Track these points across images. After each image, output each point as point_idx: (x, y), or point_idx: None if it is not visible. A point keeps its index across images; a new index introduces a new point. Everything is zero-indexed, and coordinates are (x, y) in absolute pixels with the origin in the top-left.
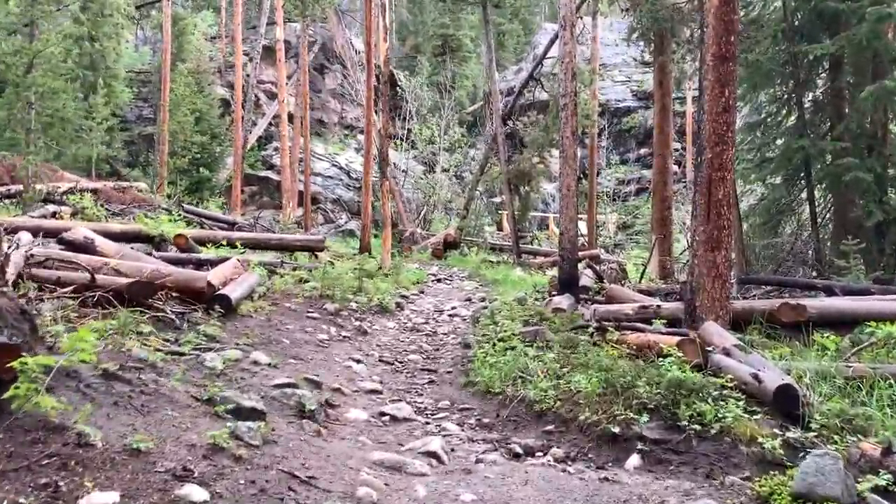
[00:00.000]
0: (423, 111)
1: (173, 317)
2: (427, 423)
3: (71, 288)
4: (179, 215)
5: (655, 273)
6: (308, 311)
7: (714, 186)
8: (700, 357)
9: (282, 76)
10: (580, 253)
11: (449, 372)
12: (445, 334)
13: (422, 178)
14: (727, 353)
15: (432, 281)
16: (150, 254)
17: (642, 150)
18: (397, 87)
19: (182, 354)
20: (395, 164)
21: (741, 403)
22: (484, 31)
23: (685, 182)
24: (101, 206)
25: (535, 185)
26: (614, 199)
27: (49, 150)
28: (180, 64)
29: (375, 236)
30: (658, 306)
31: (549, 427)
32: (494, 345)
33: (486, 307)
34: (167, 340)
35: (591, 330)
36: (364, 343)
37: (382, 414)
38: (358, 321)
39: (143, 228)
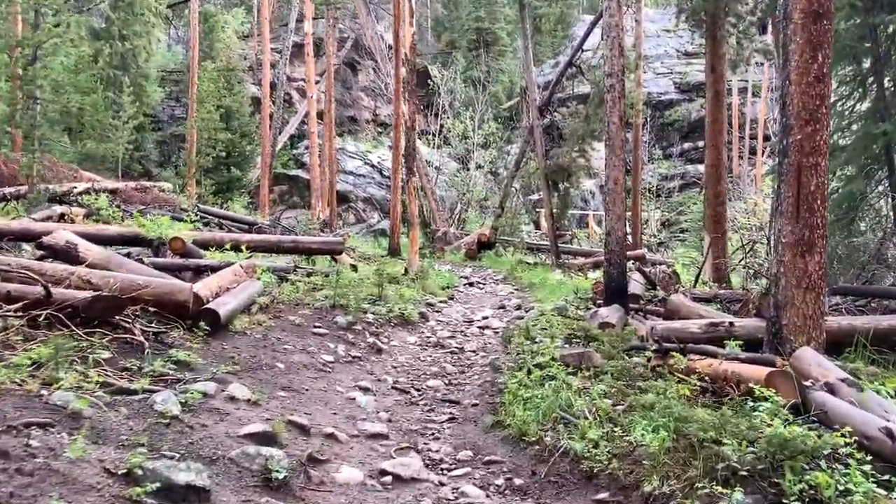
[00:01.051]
0: (457, 105)
1: (143, 338)
2: (441, 485)
3: (19, 305)
4: (197, 216)
5: (709, 275)
6: (314, 326)
7: (805, 175)
8: (797, 395)
9: (310, 72)
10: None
11: (475, 405)
12: (473, 352)
13: (456, 176)
14: (831, 390)
15: (464, 285)
16: (140, 260)
17: (686, 145)
18: (430, 82)
19: (131, 393)
20: (427, 160)
21: (867, 469)
22: (519, 17)
23: (731, 178)
24: (118, 207)
25: (574, 180)
26: (658, 196)
27: (64, 149)
28: (210, 62)
29: (406, 235)
30: (731, 324)
31: (603, 495)
32: (529, 371)
33: (521, 317)
34: (126, 370)
35: (649, 354)
36: (377, 364)
37: (384, 472)
38: (373, 336)
39: (140, 231)
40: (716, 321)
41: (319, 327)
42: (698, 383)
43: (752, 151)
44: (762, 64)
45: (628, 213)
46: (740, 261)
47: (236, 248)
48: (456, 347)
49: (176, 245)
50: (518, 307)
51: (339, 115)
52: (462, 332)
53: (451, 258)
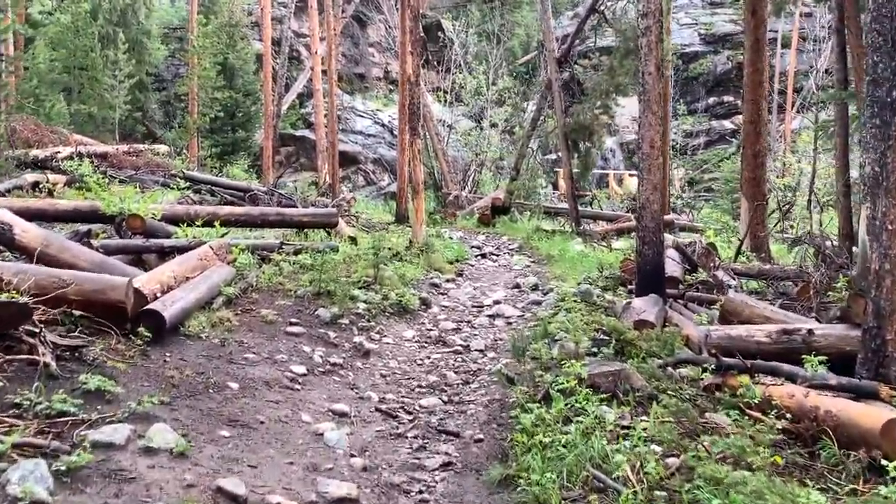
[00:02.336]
0: (471, 59)
1: (48, 358)
2: None
3: None
4: (186, 183)
5: (746, 245)
6: (290, 323)
7: None
8: None
9: (314, 26)
10: (630, 223)
11: (479, 440)
12: (481, 351)
13: (469, 135)
14: None
15: (475, 256)
16: (88, 243)
17: (711, 99)
18: (441, 36)
19: None
20: (439, 119)
21: None
22: None
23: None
24: (103, 173)
25: (597, 139)
26: (683, 153)
27: (59, 111)
28: (211, 17)
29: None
30: (810, 332)
31: None
32: (549, 398)
33: (538, 301)
34: (16, 408)
35: (705, 376)
36: (362, 373)
37: None
38: (361, 334)
39: (99, 205)
40: (789, 328)
41: (296, 324)
42: (776, 422)
43: (780, 107)
44: (791, 13)
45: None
46: (775, 225)
47: (209, 223)
48: (460, 345)
49: (135, 224)
50: (535, 287)
51: (348, 73)
52: (469, 322)
53: (464, 224)
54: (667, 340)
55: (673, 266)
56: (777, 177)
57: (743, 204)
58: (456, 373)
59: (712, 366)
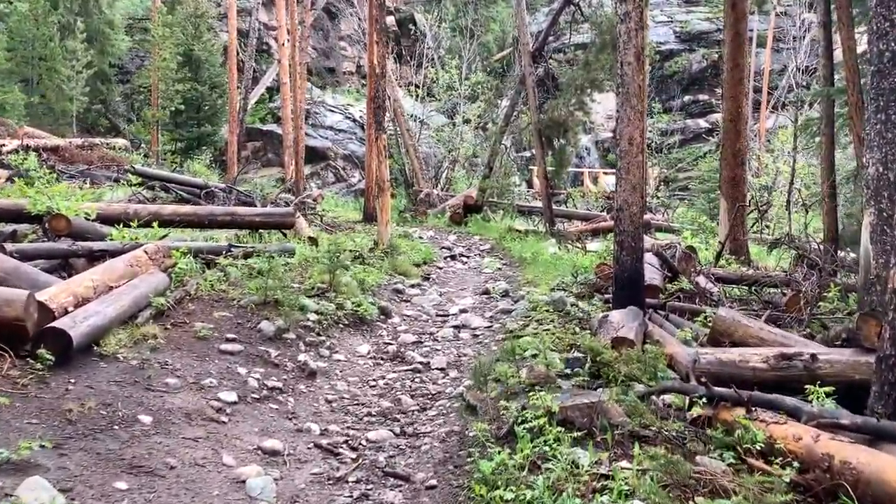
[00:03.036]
0: (443, 53)
1: None
2: None
3: None
4: (138, 179)
5: (725, 247)
6: (226, 339)
7: None
8: None
9: (281, 17)
10: (607, 224)
11: (431, 487)
12: (443, 370)
13: (442, 131)
14: None
15: (444, 258)
16: (1, 248)
17: (686, 98)
18: (413, 29)
19: None
20: (411, 114)
21: None
22: None
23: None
24: (52, 168)
25: (571, 136)
26: (659, 152)
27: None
28: (178, 7)
29: (392, 195)
30: (813, 357)
31: None
32: (514, 436)
33: (509, 310)
34: None
35: (694, 410)
36: (304, 399)
37: None
38: (308, 350)
39: (24, 204)
40: (789, 352)
41: (233, 340)
42: (783, 472)
43: (755, 106)
44: (768, 12)
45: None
46: (752, 226)
47: (151, 223)
48: (420, 362)
49: (59, 225)
50: (505, 294)
51: (318, 66)
52: (432, 334)
53: (435, 223)
54: (649, 362)
55: (652, 273)
56: (753, 176)
57: (722, 204)
58: (412, 397)
59: (702, 396)
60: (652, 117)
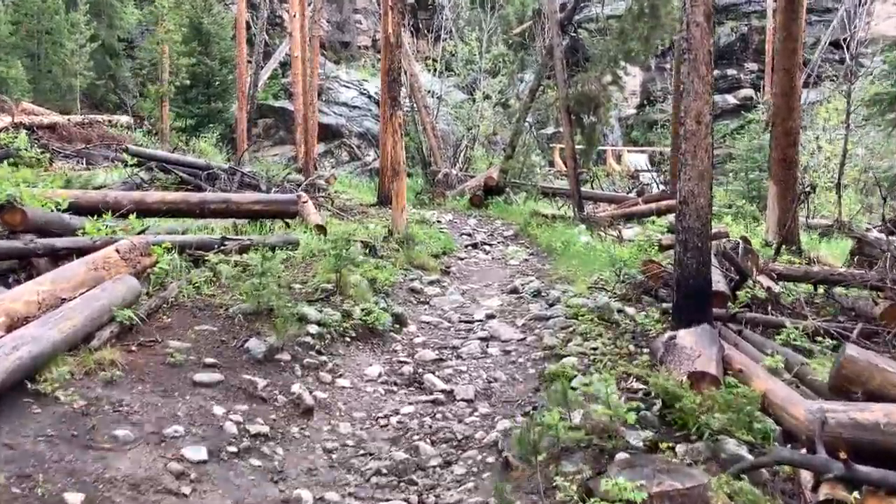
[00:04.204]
0: (462, 24)
1: None
2: None
3: None
4: (134, 159)
5: (773, 234)
6: (203, 364)
7: None
8: None
9: None
10: (663, 203)
11: None
12: (470, 402)
13: (461, 107)
14: None
15: (465, 247)
16: None
17: (714, 73)
18: (430, 2)
19: None
20: (428, 90)
21: None
22: None
23: (762, 108)
24: (44, 147)
25: (603, 112)
26: None
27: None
28: None
29: (409, 175)
30: None
31: None
32: None
33: (544, 317)
34: None
35: (823, 491)
36: (295, 451)
37: None
38: (305, 375)
39: None
40: None
41: (213, 366)
42: None
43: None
44: None
45: (654, 149)
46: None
47: (125, 213)
48: (442, 390)
49: (13, 219)
50: (537, 293)
51: (332, 40)
52: (455, 349)
53: (454, 205)
54: (742, 409)
55: (715, 276)
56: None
57: (771, 188)
58: (434, 443)
59: (841, 477)
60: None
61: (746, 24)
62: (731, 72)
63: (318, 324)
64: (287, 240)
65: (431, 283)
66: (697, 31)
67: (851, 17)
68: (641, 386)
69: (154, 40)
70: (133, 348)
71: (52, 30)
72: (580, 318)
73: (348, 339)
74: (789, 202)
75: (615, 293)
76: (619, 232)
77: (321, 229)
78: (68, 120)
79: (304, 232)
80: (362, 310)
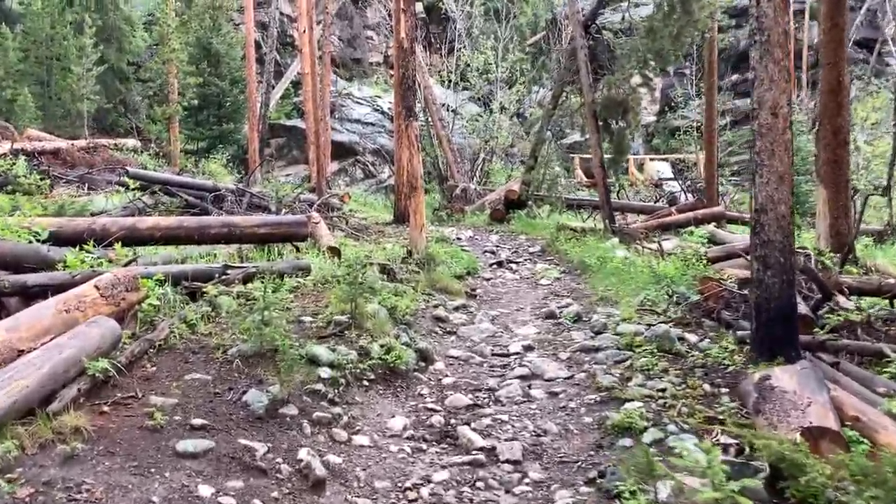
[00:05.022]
0: (476, 34)
1: None
2: None
3: None
4: (136, 183)
5: (824, 241)
6: (189, 427)
7: None
8: None
9: (302, 4)
10: (699, 212)
11: None
12: (517, 463)
13: (477, 120)
14: None
15: (489, 266)
16: None
17: (734, 77)
18: (443, 13)
19: None
20: (443, 103)
21: None
22: None
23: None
24: (44, 173)
25: (632, 117)
26: None
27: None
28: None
29: (426, 191)
30: None
31: None
32: None
33: (593, 348)
34: None
35: None
36: None
37: None
38: (314, 434)
39: None
40: None
41: (202, 429)
42: None
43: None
44: None
45: (677, 157)
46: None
47: (115, 242)
48: (481, 447)
49: None
50: (577, 318)
51: (344, 57)
52: (491, 391)
53: (473, 221)
54: (889, 481)
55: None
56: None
57: (821, 192)
58: None
59: None
60: (700, 97)
61: None
62: (751, 75)
63: (331, 366)
64: (297, 265)
65: (457, 308)
66: (770, 7)
67: (879, 16)
68: (732, 441)
69: (159, 59)
70: (105, 408)
71: (61, 56)
72: (636, 349)
73: (366, 383)
74: (841, 207)
75: (669, 317)
76: (660, 245)
77: (335, 252)
78: (72, 145)
79: (317, 255)
80: (381, 346)
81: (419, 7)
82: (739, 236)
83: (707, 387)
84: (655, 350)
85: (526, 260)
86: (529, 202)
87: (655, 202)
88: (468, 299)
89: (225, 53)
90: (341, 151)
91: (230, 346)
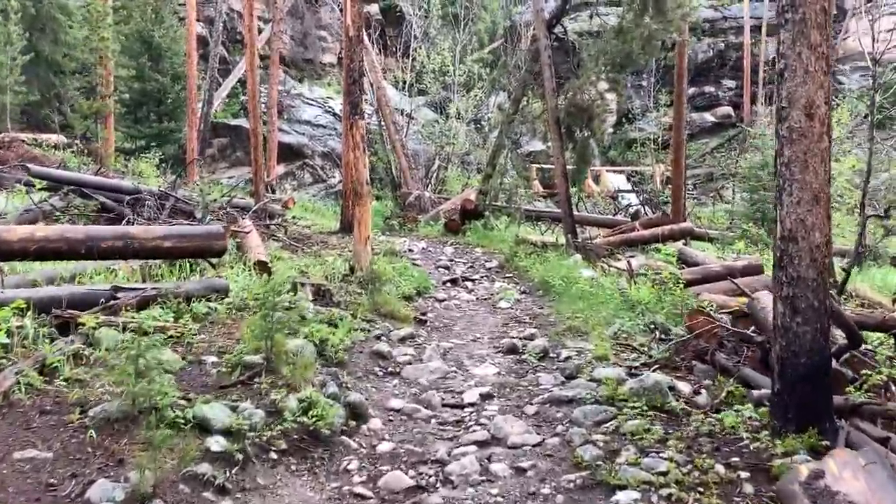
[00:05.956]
0: (434, 34)
1: None
2: None
3: None
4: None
5: None
6: None
7: None
8: None
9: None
10: (665, 228)
11: None
12: None
13: (433, 125)
14: None
15: (443, 283)
16: None
17: (691, 90)
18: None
19: None
20: (397, 107)
21: None
22: None
23: (741, 127)
24: None
25: (598, 125)
26: (665, 148)
27: None
28: None
29: (378, 198)
30: None
31: None
32: None
33: (565, 402)
34: None
35: None
36: None
37: None
38: None
39: None
40: None
41: None
42: None
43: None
44: None
45: (632, 169)
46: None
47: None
48: None
49: None
50: (543, 355)
51: (294, 56)
52: (441, 464)
53: (427, 231)
54: None
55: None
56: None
57: None
58: None
59: None
60: (658, 110)
61: (723, 41)
62: (708, 89)
63: (227, 433)
64: (212, 286)
65: (403, 339)
66: None
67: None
68: None
69: (85, 48)
70: None
71: None
72: (619, 403)
73: (275, 456)
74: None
75: (651, 356)
76: (629, 264)
77: (264, 268)
78: None
79: (242, 272)
80: (301, 401)
81: (375, 8)
82: (712, 257)
83: (721, 469)
84: (645, 407)
85: (483, 277)
86: (487, 213)
87: (614, 215)
88: (417, 326)
89: (167, 48)
90: (289, 154)
91: (95, 404)
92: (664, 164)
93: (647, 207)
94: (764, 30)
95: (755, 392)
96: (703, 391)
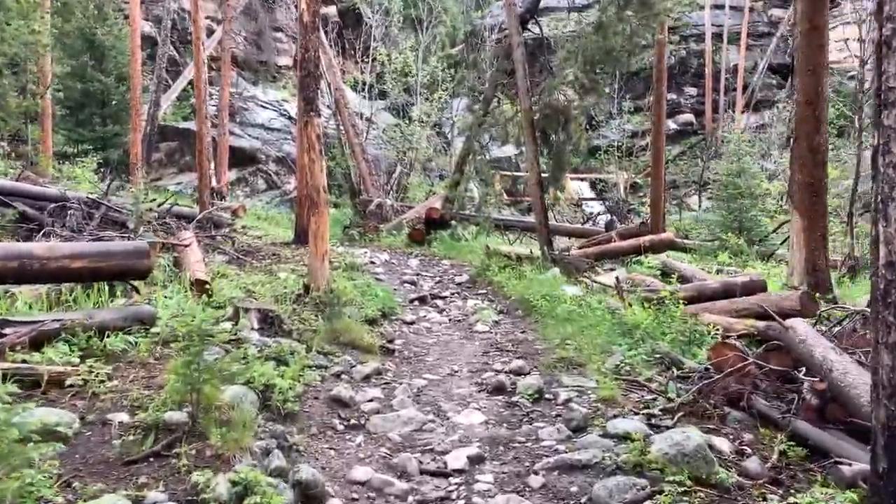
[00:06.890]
0: (395, 33)
1: None
2: None
3: None
4: None
5: (798, 278)
6: None
7: None
8: None
9: None
10: (646, 239)
11: None
12: None
13: (394, 129)
14: None
15: (410, 302)
16: None
17: (651, 98)
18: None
19: None
20: (356, 111)
21: None
22: None
23: (703, 134)
24: None
25: (575, 129)
26: (630, 155)
27: None
28: None
29: (336, 206)
30: None
31: None
32: None
33: (577, 468)
34: None
35: None
36: None
37: None
38: None
39: None
40: None
41: None
42: None
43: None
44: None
45: (596, 176)
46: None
47: None
48: None
49: None
50: (538, 396)
51: (248, 58)
52: None
53: (390, 241)
54: None
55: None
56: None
57: (795, 221)
58: None
59: None
60: (622, 117)
61: (685, 48)
62: (671, 96)
63: None
64: (135, 315)
65: (368, 377)
66: None
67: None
68: None
69: (14, 42)
70: None
71: None
72: (651, 472)
73: None
74: (819, 237)
75: (668, 398)
76: (618, 281)
77: (202, 287)
78: None
79: (179, 292)
80: (234, 483)
81: (332, 10)
82: (699, 270)
83: None
84: (687, 479)
85: (454, 294)
86: (454, 222)
87: (583, 223)
88: (384, 358)
89: (112, 46)
90: (242, 158)
91: None
92: (627, 172)
93: (613, 216)
94: (725, 37)
95: (845, 468)
96: (748, 450)
